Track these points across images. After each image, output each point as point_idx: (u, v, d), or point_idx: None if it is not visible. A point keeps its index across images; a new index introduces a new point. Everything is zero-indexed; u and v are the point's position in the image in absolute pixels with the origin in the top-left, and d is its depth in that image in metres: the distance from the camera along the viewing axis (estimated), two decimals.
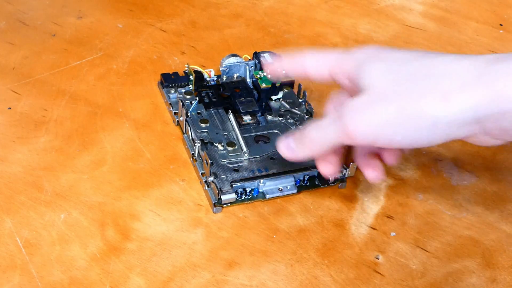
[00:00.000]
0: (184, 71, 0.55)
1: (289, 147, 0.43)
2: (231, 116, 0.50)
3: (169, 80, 0.54)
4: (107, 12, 0.63)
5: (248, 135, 0.49)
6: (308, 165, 0.47)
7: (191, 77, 0.54)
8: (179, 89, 0.53)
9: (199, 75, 0.52)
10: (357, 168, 0.49)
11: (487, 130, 0.36)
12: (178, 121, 0.51)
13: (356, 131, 0.38)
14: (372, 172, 0.43)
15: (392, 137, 0.37)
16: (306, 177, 0.48)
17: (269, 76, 0.49)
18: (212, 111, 0.51)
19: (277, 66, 0.46)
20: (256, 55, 0.55)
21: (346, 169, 0.48)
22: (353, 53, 0.41)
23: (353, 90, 0.40)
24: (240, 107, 0.51)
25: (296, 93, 0.53)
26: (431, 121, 0.36)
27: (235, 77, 0.54)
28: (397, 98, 0.37)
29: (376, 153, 0.43)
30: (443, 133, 0.37)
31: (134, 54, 0.59)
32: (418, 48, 0.62)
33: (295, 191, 0.47)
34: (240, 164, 0.47)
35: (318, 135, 0.41)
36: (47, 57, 0.57)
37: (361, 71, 0.39)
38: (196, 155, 0.48)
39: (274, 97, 0.53)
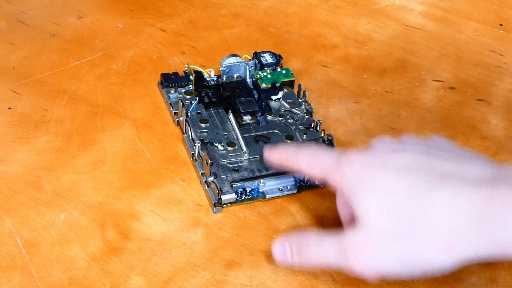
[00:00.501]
0: (184, 71, 0.55)
1: (284, 253, 0.41)
2: (231, 116, 0.50)
3: (169, 80, 0.54)
4: (107, 12, 0.63)
5: (248, 135, 0.49)
6: None
7: (191, 77, 0.54)
8: (179, 89, 0.53)
9: (199, 75, 0.53)
10: None
11: None
12: (178, 121, 0.51)
13: (362, 272, 0.38)
14: None
15: (398, 274, 0.38)
16: (306, 177, 0.48)
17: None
18: (212, 111, 0.51)
19: (274, 158, 0.45)
20: (256, 55, 0.55)
21: None
22: (342, 167, 0.39)
23: (346, 202, 0.40)
24: (240, 107, 0.51)
25: (296, 93, 0.53)
26: (436, 267, 0.37)
27: (235, 77, 0.54)
28: (400, 242, 0.37)
29: None
30: (448, 270, 0.37)
31: (134, 54, 0.59)
32: (418, 48, 0.62)
33: (295, 191, 0.47)
34: (240, 164, 0.47)
35: (318, 256, 0.40)
36: (47, 57, 0.57)
37: (354, 197, 0.38)
38: (196, 155, 0.48)
39: (274, 97, 0.53)
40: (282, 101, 0.52)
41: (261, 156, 0.47)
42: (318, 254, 0.39)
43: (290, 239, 0.41)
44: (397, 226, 0.37)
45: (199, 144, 0.47)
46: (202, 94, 0.52)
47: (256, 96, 0.53)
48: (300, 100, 0.52)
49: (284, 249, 0.41)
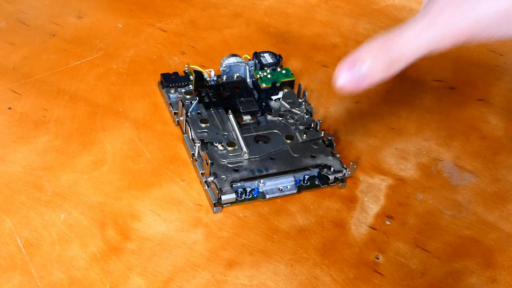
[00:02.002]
0: (184, 71, 0.55)
1: (355, 73, 0.36)
2: (231, 116, 0.50)
3: (169, 80, 0.54)
4: (107, 12, 0.63)
5: (248, 135, 0.49)
6: (308, 165, 0.47)
7: (191, 77, 0.54)
8: (179, 89, 0.53)
9: (199, 75, 0.53)
10: (357, 168, 0.49)
11: None
12: (178, 121, 0.51)
13: (457, 29, 0.34)
14: None
15: (494, 32, 0.35)
16: (306, 177, 0.48)
17: None
18: (212, 111, 0.51)
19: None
20: (256, 55, 0.55)
21: (346, 169, 0.48)
22: None
23: None
24: (240, 107, 0.51)
25: (296, 93, 0.53)
26: None
27: (235, 77, 0.54)
28: None
29: None
30: None
31: (134, 54, 0.59)
32: None
33: (295, 191, 0.47)
34: (240, 164, 0.47)
35: (406, 44, 0.35)
36: (47, 57, 0.57)
37: None
38: (196, 155, 0.48)
39: (274, 97, 0.53)
40: (282, 101, 0.52)
41: (261, 156, 0.47)
42: (405, 44, 0.36)
43: (359, 55, 0.36)
44: None
45: (199, 144, 0.47)
46: (202, 94, 0.52)
47: (256, 96, 0.53)
48: (300, 100, 0.52)
49: (353, 68, 0.36)
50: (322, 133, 0.50)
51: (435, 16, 0.35)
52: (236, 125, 0.49)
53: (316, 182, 0.48)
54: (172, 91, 0.53)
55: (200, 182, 0.47)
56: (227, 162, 0.47)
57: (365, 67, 0.36)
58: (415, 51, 0.36)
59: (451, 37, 0.35)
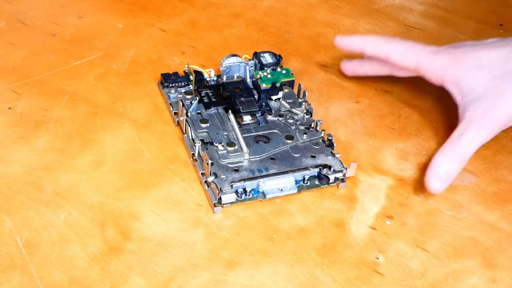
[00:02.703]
0: (184, 71, 0.55)
1: (443, 176, 0.47)
2: (231, 116, 0.50)
3: (169, 80, 0.54)
4: (107, 12, 0.63)
5: (248, 135, 0.49)
6: (308, 165, 0.47)
7: (191, 77, 0.54)
8: (179, 89, 0.53)
9: (199, 75, 0.53)
10: (357, 168, 0.49)
11: None
12: (178, 121, 0.51)
13: (499, 124, 0.48)
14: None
15: None
16: (306, 177, 0.48)
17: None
18: (212, 111, 0.51)
19: (356, 43, 0.51)
20: (256, 55, 0.55)
21: (346, 169, 0.48)
22: (437, 56, 0.50)
23: (441, 85, 0.52)
24: (240, 107, 0.51)
25: (296, 93, 0.53)
26: None
27: (235, 77, 0.54)
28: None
29: None
30: None
31: (134, 54, 0.59)
32: None
33: (295, 191, 0.47)
34: (240, 164, 0.47)
35: (470, 146, 0.48)
36: (47, 57, 0.57)
37: (462, 80, 0.49)
38: (196, 155, 0.48)
39: (274, 97, 0.53)
40: (282, 101, 0.52)
41: (261, 156, 0.47)
42: (470, 146, 0.48)
43: (436, 165, 0.47)
44: (504, 84, 0.48)
45: (199, 144, 0.47)
46: (202, 94, 0.52)
47: (256, 96, 0.53)
48: (300, 100, 0.52)
49: (439, 173, 0.47)
50: (322, 133, 0.50)
51: (481, 121, 0.48)
52: (236, 125, 0.49)
53: (316, 182, 0.48)
54: (172, 91, 0.53)
55: (200, 182, 0.47)
56: (227, 162, 0.47)
57: (445, 172, 0.47)
58: (474, 148, 0.48)
59: (496, 131, 0.48)
